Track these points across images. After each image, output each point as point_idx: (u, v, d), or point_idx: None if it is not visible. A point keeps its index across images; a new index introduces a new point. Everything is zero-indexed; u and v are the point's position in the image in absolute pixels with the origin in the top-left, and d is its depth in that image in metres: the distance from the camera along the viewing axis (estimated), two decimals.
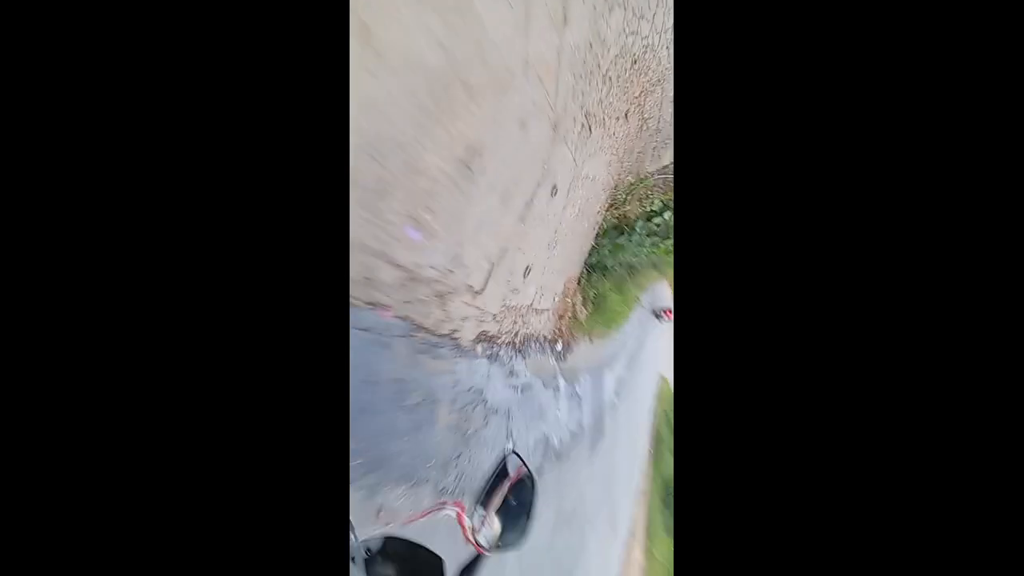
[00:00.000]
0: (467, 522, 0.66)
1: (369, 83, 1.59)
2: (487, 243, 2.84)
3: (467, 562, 0.64)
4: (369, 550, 0.57)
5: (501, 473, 0.73)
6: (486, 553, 0.66)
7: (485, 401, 2.87)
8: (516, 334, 3.45)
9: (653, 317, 9.81)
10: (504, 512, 0.71)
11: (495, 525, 0.69)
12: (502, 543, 0.70)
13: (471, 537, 0.66)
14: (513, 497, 0.72)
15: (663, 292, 10.62)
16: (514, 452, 0.76)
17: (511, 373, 3.39)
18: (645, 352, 9.03)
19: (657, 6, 3.85)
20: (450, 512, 0.66)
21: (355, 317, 1.89)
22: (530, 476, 0.75)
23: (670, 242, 6.32)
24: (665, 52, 4.29)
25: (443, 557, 0.60)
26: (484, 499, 0.70)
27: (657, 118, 4.99)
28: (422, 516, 0.65)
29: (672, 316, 8.50)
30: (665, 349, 10.73)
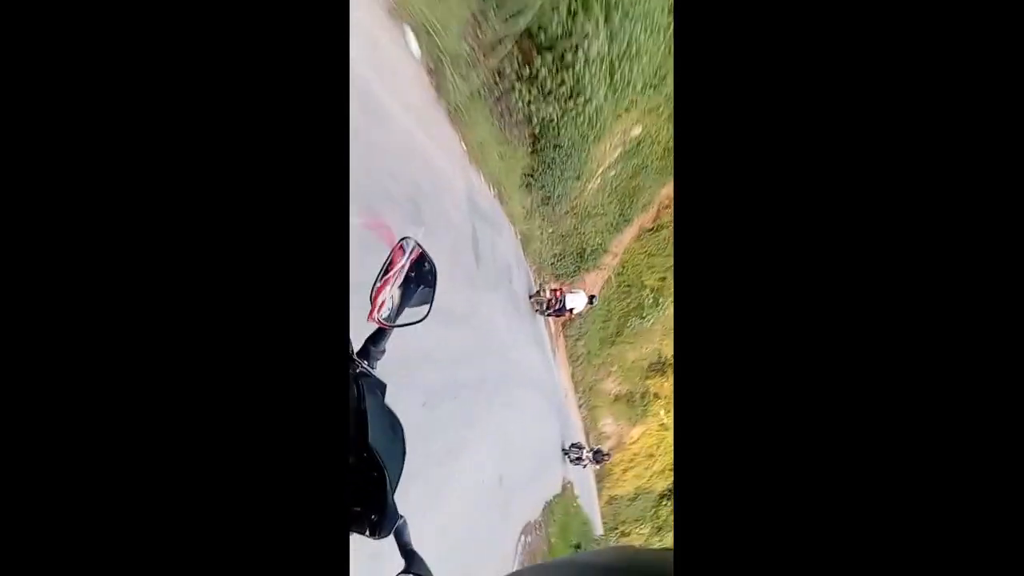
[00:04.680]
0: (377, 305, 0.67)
1: None
2: None
3: (371, 334, 0.68)
4: None
5: (398, 254, 0.72)
6: (388, 327, 0.69)
7: None
8: None
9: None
10: (407, 289, 0.71)
11: (396, 298, 0.70)
12: (404, 318, 0.71)
13: (374, 315, 0.67)
14: (412, 269, 0.72)
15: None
16: (408, 237, 0.74)
17: None
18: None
19: None
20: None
21: None
22: (427, 257, 0.74)
23: None
24: None
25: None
26: (383, 275, 0.69)
27: None
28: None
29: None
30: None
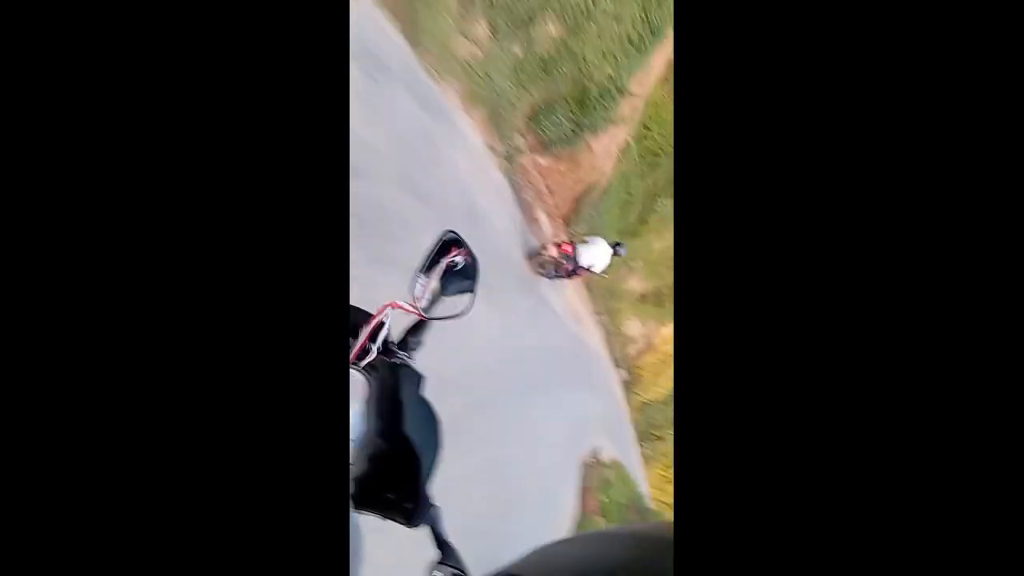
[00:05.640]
0: (410, 296, 0.67)
1: None
2: None
3: (411, 326, 0.68)
4: None
5: (442, 247, 0.71)
6: (428, 319, 0.68)
7: None
8: None
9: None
10: (446, 280, 0.71)
11: (437, 292, 0.70)
12: (443, 310, 0.70)
13: (414, 306, 0.66)
14: (454, 266, 0.72)
15: None
16: (451, 231, 0.73)
17: None
18: None
19: None
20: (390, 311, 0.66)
21: None
22: (468, 249, 0.73)
23: None
24: None
25: (386, 321, 0.62)
26: (426, 268, 0.69)
27: None
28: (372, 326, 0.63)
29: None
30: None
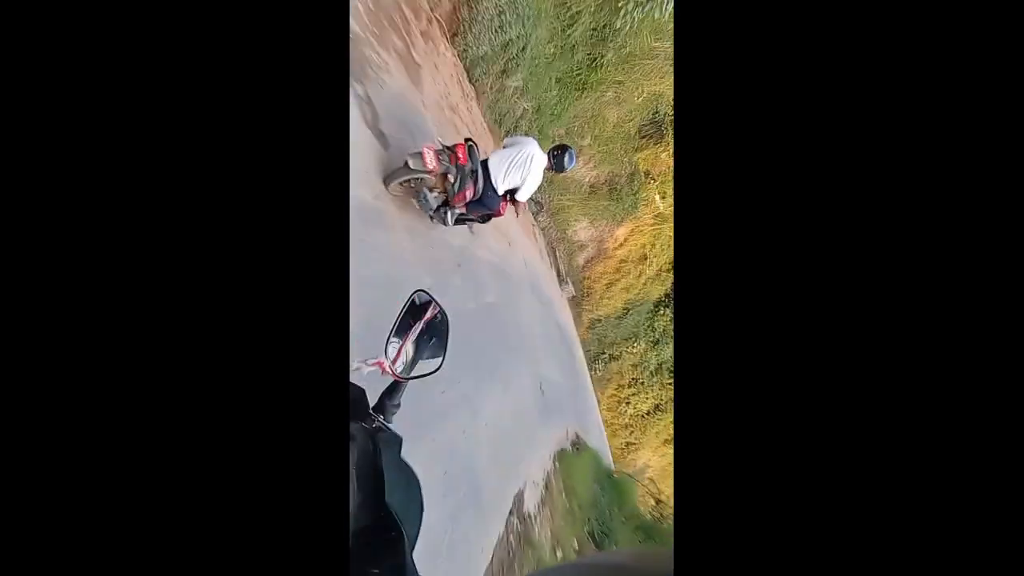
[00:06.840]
0: (386, 362, 0.70)
1: None
2: None
3: (386, 388, 0.69)
4: None
5: (411, 308, 0.75)
6: (403, 380, 0.70)
7: None
8: None
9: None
10: (418, 340, 0.74)
11: (410, 352, 0.73)
12: (419, 370, 0.74)
13: (388, 368, 0.69)
14: (425, 326, 0.75)
15: None
16: (421, 289, 0.78)
17: None
18: None
19: None
20: (369, 369, 0.70)
21: None
22: (439, 308, 0.77)
23: None
24: None
25: (365, 388, 0.64)
26: (398, 330, 0.73)
27: None
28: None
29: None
30: None
